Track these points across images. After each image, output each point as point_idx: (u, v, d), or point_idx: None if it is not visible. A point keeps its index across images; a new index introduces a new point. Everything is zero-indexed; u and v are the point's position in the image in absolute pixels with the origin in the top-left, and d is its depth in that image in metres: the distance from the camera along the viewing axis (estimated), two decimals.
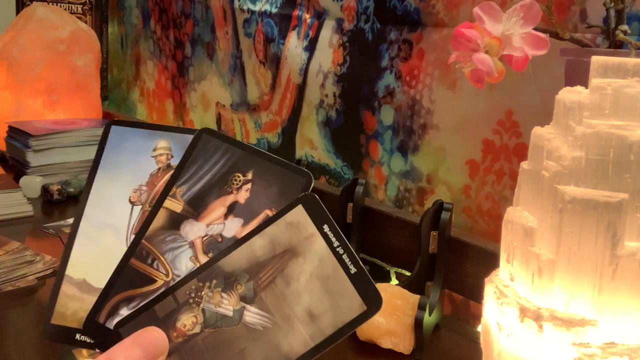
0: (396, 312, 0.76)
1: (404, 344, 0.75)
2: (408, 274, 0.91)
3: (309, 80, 1.16)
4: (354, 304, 0.38)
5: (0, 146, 1.53)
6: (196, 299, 0.40)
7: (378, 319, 0.75)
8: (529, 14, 0.57)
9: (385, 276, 0.98)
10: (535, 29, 0.58)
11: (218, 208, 0.45)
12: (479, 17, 0.58)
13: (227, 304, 0.40)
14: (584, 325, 0.44)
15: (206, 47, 1.48)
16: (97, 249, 0.45)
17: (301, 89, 1.19)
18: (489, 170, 0.87)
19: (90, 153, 1.46)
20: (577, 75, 0.54)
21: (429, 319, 0.75)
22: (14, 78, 1.53)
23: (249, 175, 0.45)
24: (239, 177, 0.45)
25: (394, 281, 0.97)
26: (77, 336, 0.43)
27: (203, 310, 0.40)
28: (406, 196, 1.00)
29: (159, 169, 0.47)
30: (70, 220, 1.16)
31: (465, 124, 0.89)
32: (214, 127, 1.49)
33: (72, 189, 1.31)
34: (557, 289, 0.45)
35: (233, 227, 0.44)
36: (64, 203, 1.29)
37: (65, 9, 1.80)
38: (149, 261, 0.44)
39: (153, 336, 0.38)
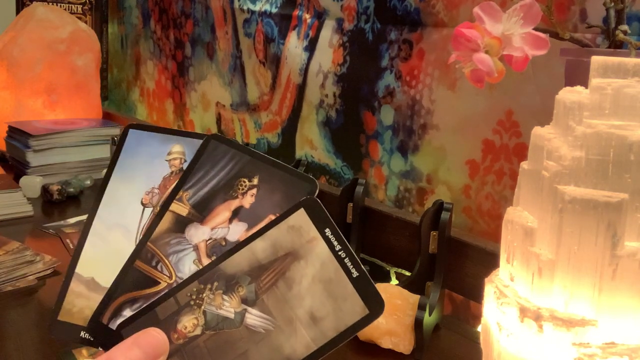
0: (396, 312, 0.76)
1: (404, 344, 0.75)
2: (408, 274, 0.91)
3: (309, 80, 1.16)
4: (356, 308, 0.38)
5: (0, 146, 1.53)
6: (197, 301, 0.41)
7: (378, 319, 0.75)
8: (529, 14, 0.57)
9: (385, 276, 0.98)
10: (535, 29, 0.58)
11: (223, 212, 0.45)
12: (479, 17, 0.58)
13: (228, 306, 0.40)
14: (584, 325, 0.44)
15: (206, 47, 1.48)
16: (107, 248, 0.46)
17: (301, 89, 1.19)
18: (489, 170, 0.87)
19: (91, 153, 1.46)
20: (577, 75, 0.54)
21: (429, 319, 0.75)
22: (14, 78, 1.53)
23: (255, 181, 0.46)
24: (244, 182, 0.46)
25: (394, 281, 0.97)
26: (82, 334, 0.43)
27: (204, 312, 0.40)
28: (406, 196, 1.00)
29: (172, 172, 0.48)
30: (71, 220, 1.17)
31: (465, 124, 0.89)
32: (213, 127, 1.49)
33: (72, 189, 1.31)
34: (557, 289, 0.45)
35: (237, 231, 0.44)
36: (64, 203, 1.29)
37: (65, 9, 1.80)
38: (154, 263, 0.44)
39: (153, 337, 0.38)
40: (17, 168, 1.44)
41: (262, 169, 0.46)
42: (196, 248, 0.44)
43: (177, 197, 0.46)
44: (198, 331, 0.40)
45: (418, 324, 0.74)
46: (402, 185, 1.01)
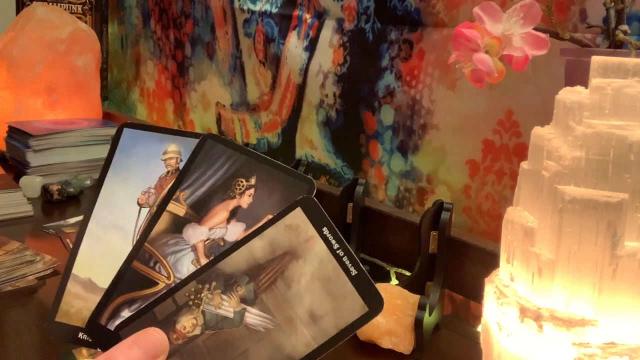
0: (396, 312, 0.76)
1: (404, 344, 0.75)
2: (408, 274, 0.91)
3: (309, 80, 1.16)
4: (356, 306, 0.38)
5: (0, 146, 1.53)
6: (196, 301, 0.40)
7: (378, 318, 0.75)
8: (529, 14, 0.57)
9: (385, 276, 0.98)
10: (535, 29, 0.58)
11: (221, 212, 0.45)
12: (479, 17, 0.58)
13: (227, 306, 0.40)
14: (584, 325, 0.44)
15: (206, 47, 1.48)
16: (103, 249, 0.46)
17: (301, 89, 1.19)
18: (489, 170, 0.87)
19: (91, 153, 1.46)
20: (577, 75, 0.54)
21: (429, 319, 0.75)
22: (14, 78, 1.53)
23: (252, 181, 0.46)
24: (242, 182, 0.46)
25: (394, 281, 0.97)
26: (80, 335, 0.43)
27: (203, 312, 0.40)
28: (406, 196, 1.00)
29: (168, 172, 0.48)
30: (71, 220, 1.17)
31: (466, 124, 0.89)
32: (214, 127, 1.49)
33: (72, 189, 1.31)
34: (557, 289, 0.45)
35: (235, 232, 0.44)
36: (64, 203, 1.29)
37: (65, 9, 1.80)
38: (151, 264, 0.44)
39: (153, 336, 0.39)
40: (17, 168, 1.44)
41: (260, 169, 0.46)
42: (194, 248, 0.44)
43: (174, 197, 0.46)
44: (197, 331, 0.40)
45: (418, 324, 0.74)
46: (402, 185, 1.01)
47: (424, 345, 0.75)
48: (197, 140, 0.48)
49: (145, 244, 0.45)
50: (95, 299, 0.44)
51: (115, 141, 0.49)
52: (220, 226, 0.45)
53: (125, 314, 0.43)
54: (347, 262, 0.39)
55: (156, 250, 0.44)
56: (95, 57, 1.66)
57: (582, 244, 0.44)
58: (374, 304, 0.38)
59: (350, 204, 0.92)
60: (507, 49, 0.58)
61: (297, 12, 1.18)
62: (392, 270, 0.98)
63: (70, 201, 1.31)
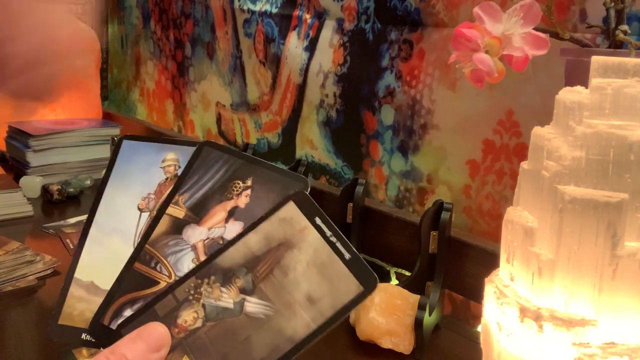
0: (396, 312, 0.76)
1: (404, 344, 0.75)
2: (408, 274, 0.91)
3: (309, 80, 1.16)
4: (351, 286, 0.40)
5: (0, 146, 1.53)
6: (196, 296, 0.42)
7: (378, 318, 0.75)
8: (529, 14, 0.57)
9: (385, 276, 0.98)
10: (535, 29, 0.58)
11: (219, 213, 0.47)
12: (479, 17, 0.58)
13: (227, 297, 0.41)
14: (584, 325, 0.44)
15: (206, 47, 1.48)
16: (105, 253, 0.47)
17: (301, 89, 1.19)
18: (489, 170, 0.87)
19: (91, 153, 1.46)
20: (577, 75, 0.54)
21: (429, 319, 0.75)
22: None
23: (249, 182, 0.47)
24: (238, 184, 0.47)
25: (394, 281, 0.97)
26: (83, 335, 0.44)
27: (203, 306, 0.41)
28: (406, 196, 1.00)
29: (167, 178, 0.50)
30: (71, 220, 1.17)
31: (466, 124, 0.89)
32: (213, 127, 1.49)
33: (72, 189, 1.31)
34: (557, 289, 0.45)
35: (234, 230, 0.45)
36: (64, 203, 1.29)
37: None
38: (152, 264, 0.45)
39: (155, 330, 0.40)
40: (17, 168, 1.44)
41: (255, 171, 0.48)
42: (194, 248, 0.45)
43: (174, 201, 0.48)
44: (199, 323, 0.41)
45: (418, 324, 0.74)
46: (403, 185, 1.01)
47: (424, 345, 0.75)
48: (194, 148, 0.50)
49: (146, 246, 0.46)
50: (98, 301, 0.45)
51: (115, 152, 0.51)
52: (219, 226, 0.46)
53: (128, 313, 0.44)
54: (341, 247, 0.41)
55: (157, 251, 0.46)
56: (95, 57, 1.66)
57: (582, 244, 0.44)
58: (368, 284, 0.40)
59: (350, 204, 0.92)
60: (507, 49, 0.58)
61: (297, 12, 1.18)
62: (392, 270, 0.98)
63: (70, 201, 1.31)
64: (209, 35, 1.46)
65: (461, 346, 0.79)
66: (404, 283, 0.82)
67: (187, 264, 0.45)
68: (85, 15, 1.88)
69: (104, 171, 0.51)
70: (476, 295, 0.80)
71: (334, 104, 1.11)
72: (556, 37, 0.61)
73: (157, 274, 0.45)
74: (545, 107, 0.78)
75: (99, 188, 0.49)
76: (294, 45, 1.19)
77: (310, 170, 1.18)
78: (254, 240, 0.42)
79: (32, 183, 1.31)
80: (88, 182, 1.36)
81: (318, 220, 0.42)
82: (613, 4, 0.60)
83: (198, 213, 0.47)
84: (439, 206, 0.81)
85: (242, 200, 0.47)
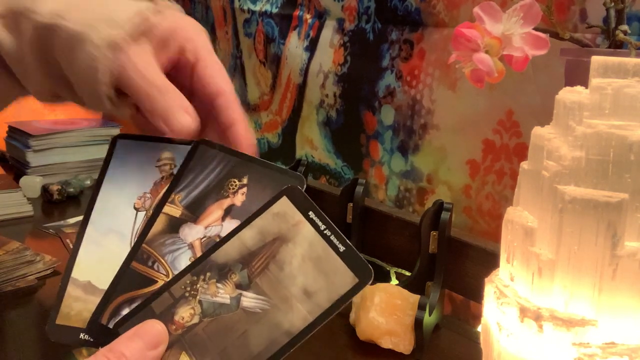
0: (396, 312, 0.76)
1: (404, 344, 0.75)
2: (408, 274, 0.91)
3: (310, 80, 1.16)
4: (347, 278, 0.40)
5: (0, 146, 1.53)
6: (192, 292, 0.42)
7: (378, 318, 0.75)
8: (529, 14, 0.57)
9: (385, 276, 0.98)
10: (535, 29, 0.58)
11: (216, 211, 0.47)
12: (479, 17, 0.58)
13: (223, 293, 0.42)
14: (584, 325, 0.44)
15: None
16: (102, 253, 0.47)
17: (301, 89, 1.19)
18: (489, 170, 0.87)
19: (91, 153, 1.46)
20: (577, 75, 0.54)
21: (429, 319, 0.75)
22: None
23: (245, 180, 0.47)
24: (234, 182, 0.47)
25: (394, 281, 0.97)
26: (81, 335, 0.44)
27: (200, 302, 0.42)
28: (406, 196, 1.00)
29: (162, 177, 0.49)
30: (71, 220, 1.17)
31: (466, 124, 0.89)
32: None
33: (72, 189, 1.31)
34: (557, 289, 0.45)
35: (231, 228, 0.45)
36: (64, 203, 1.29)
37: None
38: (150, 263, 0.45)
39: (152, 327, 0.40)
40: (17, 168, 1.44)
41: (251, 169, 0.48)
42: (191, 246, 0.45)
43: (170, 200, 0.47)
44: (196, 320, 0.41)
45: (418, 324, 0.74)
46: (403, 185, 1.01)
47: (424, 345, 0.75)
48: (190, 146, 0.50)
49: (143, 245, 0.46)
50: (95, 300, 0.44)
51: (109, 152, 0.51)
52: (216, 224, 0.46)
53: (126, 312, 0.44)
54: (335, 240, 0.41)
55: (154, 250, 0.46)
56: None
57: (582, 244, 0.44)
58: (363, 275, 0.40)
59: (350, 204, 0.92)
60: (507, 49, 0.58)
61: (297, 12, 1.18)
62: (392, 270, 0.98)
63: (70, 201, 1.31)
64: (209, 35, 1.46)
65: (461, 346, 0.79)
66: (404, 283, 0.82)
67: (184, 262, 0.45)
68: None
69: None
70: (476, 295, 0.80)
71: (334, 104, 1.11)
72: (556, 37, 0.61)
73: (155, 272, 0.45)
74: (545, 107, 0.78)
75: (94, 188, 0.49)
76: (294, 45, 1.19)
77: (310, 170, 1.18)
78: (249, 236, 0.43)
79: (32, 183, 1.31)
80: (88, 182, 1.36)
81: (312, 214, 0.42)
82: (613, 4, 0.60)
83: (194, 212, 0.47)
84: (439, 206, 0.81)
85: (239, 199, 0.46)
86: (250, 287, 0.41)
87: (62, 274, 0.46)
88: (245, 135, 0.50)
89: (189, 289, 0.42)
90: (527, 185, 0.50)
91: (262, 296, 0.41)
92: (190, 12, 1.53)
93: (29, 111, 1.54)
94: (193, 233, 0.46)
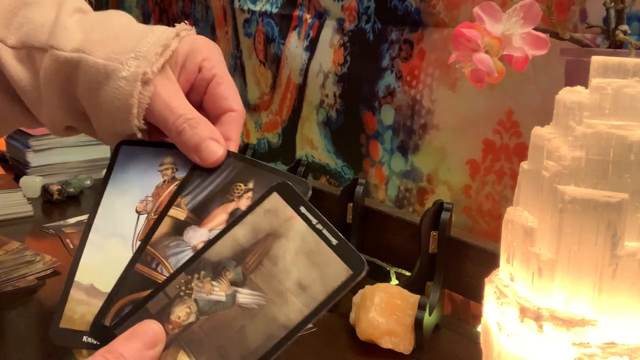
0: (396, 312, 0.76)
1: (404, 344, 0.75)
2: (408, 274, 0.91)
3: (310, 80, 1.16)
4: (340, 271, 0.41)
5: (0, 146, 1.53)
6: (187, 291, 0.42)
7: (378, 318, 0.75)
8: (529, 14, 0.57)
9: (385, 276, 0.98)
10: (535, 29, 0.58)
11: (220, 214, 0.47)
12: (479, 17, 0.58)
13: (218, 291, 0.42)
14: (584, 325, 0.44)
15: None
16: (105, 256, 0.47)
17: (301, 89, 1.19)
18: (489, 170, 0.87)
19: (91, 153, 1.46)
20: (577, 75, 0.54)
21: (429, 319, 0.75)
22: None
23: (250, 185, 0.48)
24: (240, 186, 0.48)
25: (394, 281, 0.98)
26: (85, 338, 0.44)
27: (195, 300, 0.42)
28: (406, 196, 1.00)
29: (164, 181, 0.50)
30: (71, 220, 1.17)
31: (466, 124, 0.89)
32: None
33: (72, 189, 1.31)
34: (557, 289, 0.45)
35: None
36: (64, 203, 1.29)
37: None
38: (153, 265, 0.46)
39: (149, 327, 0.41)
40: (17, 168, 1.44)
41: (257, 174, 0.48)
42: (195, 249, 0.45)
43: (175, 203, 0.48)
44: (192, 318, 0.41)
45: (418, 324, 0.74)
46: (403, 185, 1.01)
47: (424, 345, 0.75)
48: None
49: (147, 247, 0.46)
50: (99, 303, 0.45)
51: (113, 157, 0.51)
52: (220, 227, 0.46)
53: None
54: (327, 234, 0.42)
55: (158, 253, 0.46)
56: None
57: (582, 244, 0.44)
58: (357, 267, 0.40)
59: (350, 204, 0.92)
60: (507, 49, 0.58)
61: (297, 12, 1.18)
62: (392, 270, 0.98)
63: (70, 201, 1.31)
64: (209, 35, 1.46)
65: (461, 346, 0.79)
66: (404, 283, 0.82)
67: None
68: None
69: (103, 172, 0.51)
70: (476, 295, 0.80)
71: (334, 104, 1.11)
72: (556, 37, 0.61)
73: (158, 275, 0.45)
74: (545, 107, 0.78)
75: (98, 192, 0.50)
76: (294, 45, 1.19)
77: (310, 170, 1.18)
78: (241, 233, 0.43)
79: (32, 183, 1.31)
80: (88, 182, 1.36)
81: (303, 209, 0.42)
82: (613, 4, 0.60)
83: (199, 215, 0.47)
84: (439, 206, 0.81)
85: (244, 203, 0.47)
86: (245, 283, 0.42)
87: (65, 277, 0.46)
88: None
89: (183, 288, 0.42)
90: (527, 185, 0.50)
91: (257, 292, 0.41)
92: (190, 12, 1.53)
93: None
94: (197, 236, 0.46)
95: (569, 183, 0.45)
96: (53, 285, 0.90)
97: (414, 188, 0.99)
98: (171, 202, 0.48)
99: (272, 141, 1.30)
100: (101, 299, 0.45)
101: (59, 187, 1.29)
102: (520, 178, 0.51)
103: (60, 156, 1.43)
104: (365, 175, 1.07)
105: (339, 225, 0.92)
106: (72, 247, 1.04)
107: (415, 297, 0.77)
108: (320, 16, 1.12)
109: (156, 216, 0.48)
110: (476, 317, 0.87)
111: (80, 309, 0.45)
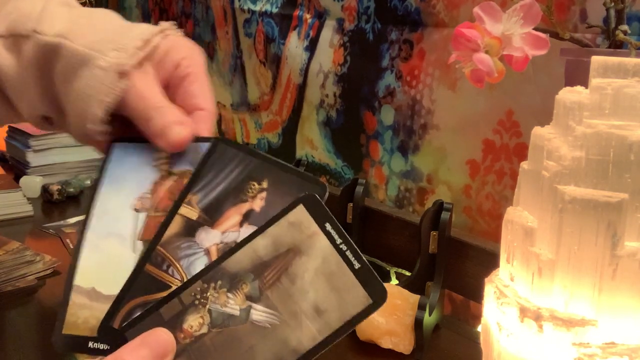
0: (396, 312, 0.76)
1: (404, 344, 0.75)
2: (408, 274, 0.91)
3: (310, 80, 1.16)
4: (360, 298, 0.39)
5: (0, 146, 1.53)
6: (202, 300, 0.41)
7: (378, 319, 0.75)
8: (529, 14, 0.57)
9: (385, 276, 0.98)
10: (535, 29, 0.58)
11: (233, 216, 0.45)
12: (479, 17, 0.58)
13: (233, 304, 0.40)
14: (584, 325, 0.44)
15: (206, 47, 1.48)
16: (104, 257, 0.45)
17: (301, 89, 1.19)
18: (489, 170, 0.87)
19: (91, 153, 1.46)
20: (577, 75, 0.54)
21: (429, 319, 0.75)
22: None
23: (264, 184, 0.46)
24: (254, 185, 0.46)
25: (394, 281, 0.97)
26: (90, 344, 0.42)
27: (209, 311, 0.40)
28: (406, 196, 1.00)
29: (161, 176, 0.48)
30: (71, 220, 1.17)
31: (466, 123, 0.89)
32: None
33: (72, 189, 1.31)
34: (557, 289, 0.45)
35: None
36: (64, 203, 1.29)
37: None
38: (164, 267, 0.44)
39: (160, 337, 0.39)
40: (17, 168, 1.44)
41: (272, 172, 0.46)
42: (207, 252, 0.44)
43: (186, 200, 0.46)
44: (204, 330, 0.40)
45: (418, 324, 0.74)
46: (403, 185, 1.01)
47: (424, 345, 0.75)
48: (188, 147, 0.48)
49: (158, 247, 0.44)
50: (102, 306, 0.43)
51: (106, 157, 0.49)
52: (233, 230, 0.44)
53: None
54: (350, 256, 0.39)
55: (169, 254, 0.44)
56: None
57: (582, 244, 0.44)
58: (378, 296, 0.38)
59: (350, 204, 0.92)
60: (507, 49, 0.58)
61: (297, 12, 1.18)
62: (392, 270, 0.98)
63: (70, 201, 1.31)
64: (210, 35, 1.46)
65: (461, 346, 0.79)
66: (404, 283, 0.82)
67: (199, 268, 0.43)
68: None
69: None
70: (476, 295, 0.80)
71: (334, 104, 1.11)
72: (556, 37, 0.61)
73: (169, 277, 0.43)
74: (545, 107, 0.78)
75: (91, 192, 0.48)
76: (294, 45, 1.19)
77: (310, 170, 1.18)
78: (262, 245, 0.41)
79: (32, 183, 1.31)
80: (88, 182, 1.36)
81: (328, 226, 0.40)
82: (613, 4, 0.60)
83: (212, 215, 0.45)
84: (439, 206, 0.81)
85: (258, 204, 0.45)
86: (260, 299, 0.40)
87: (64, 282, 0.45)
88: None
89: (199, 296, 0.41)
90: (527, 185, 0.50)
91: (272, 310, 0.40)
92: (190, 12, 1.54)
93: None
94: (210, 238, 0.44)
95: (569, 183, 0.45)
96: (53, 285, 0.90)
97: (414, 188, 0.99)
98: (181, 199, 0.46)
99: (272, 141, 1.30)
100: (104, 302, 0.43)
101: (59, 187, 1.29)
102: (520, 178, 0.51)
103: (60, 156, 1.43)
104: (365, 175, 1.07)
105: None
106: (72, 247, 1.04)
107: (415, 297, 0.77)
108: (320, 16, 1.12)
109: (159, 213, 0.46)
110: (476, 317, 0.87)
111: (83, 314, 0.43)
